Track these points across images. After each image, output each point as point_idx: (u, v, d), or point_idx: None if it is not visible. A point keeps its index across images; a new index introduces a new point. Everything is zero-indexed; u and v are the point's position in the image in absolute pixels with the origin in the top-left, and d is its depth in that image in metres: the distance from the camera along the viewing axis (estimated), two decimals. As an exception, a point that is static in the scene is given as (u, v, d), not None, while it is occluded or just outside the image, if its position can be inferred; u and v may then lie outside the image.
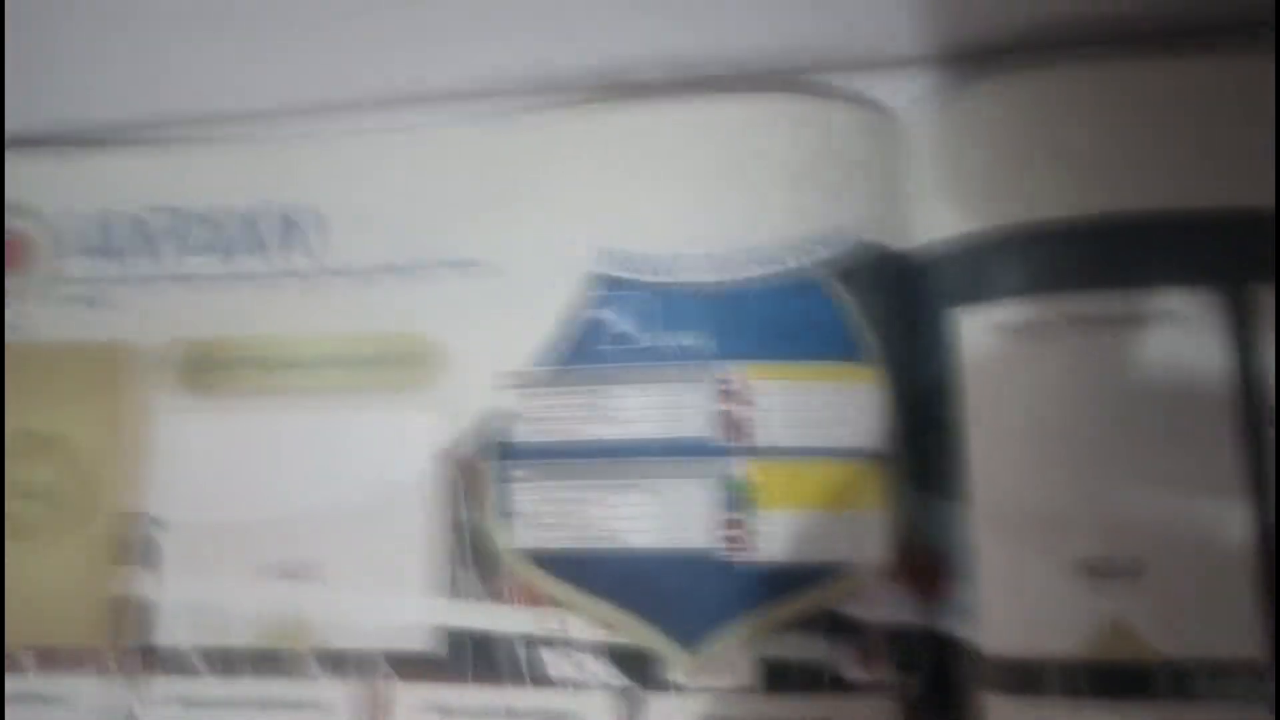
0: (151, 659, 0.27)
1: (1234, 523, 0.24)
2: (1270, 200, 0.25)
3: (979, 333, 0.26)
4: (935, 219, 0.27)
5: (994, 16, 0.27)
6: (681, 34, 0.28)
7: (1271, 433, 0.24)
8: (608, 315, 0.27)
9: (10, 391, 0.29)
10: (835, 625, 0.25)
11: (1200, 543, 0.24)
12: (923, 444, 0.26)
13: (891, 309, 0.27)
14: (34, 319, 0.30)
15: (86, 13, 0.26)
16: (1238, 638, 0.23)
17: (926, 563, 0.26)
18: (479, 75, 0.30)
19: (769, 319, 0.26)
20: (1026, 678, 0.24)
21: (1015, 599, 0.25)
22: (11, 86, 0.29)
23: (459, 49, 0.28)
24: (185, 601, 0.28)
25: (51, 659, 0.28)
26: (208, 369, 0.29)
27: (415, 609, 0.27)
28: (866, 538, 0.25)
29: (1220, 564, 0.23)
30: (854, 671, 0.25)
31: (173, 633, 0.27)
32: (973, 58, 0.28)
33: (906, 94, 0.29)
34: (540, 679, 0.26)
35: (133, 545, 0.28)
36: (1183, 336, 0.25)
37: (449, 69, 0.29)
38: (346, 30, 0.27)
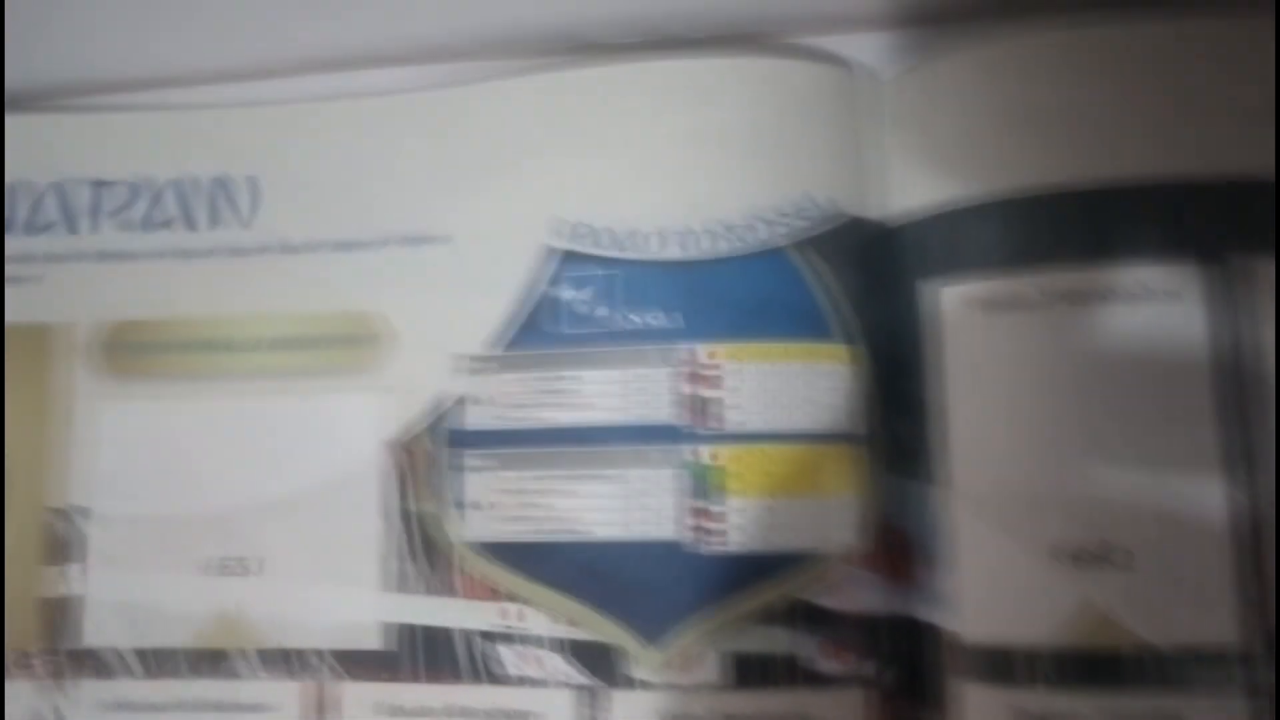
0: (80, 661, 0.26)
1: (1215, 507, 0.23)
2: (1253, 167, 0.24)
3: (955, 307, 0.25)
4: (907, 186, 0.26)
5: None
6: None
7: (1263, 409, 0.23)
8: (567, 293, 0.26)
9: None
10: (807, 616, 0.24)
11: (1180, 527, 0.23)
12: (897, 424, 0.25)
13: (864, 281, 0.25)
14: (-57, 298, 0.28)
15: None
16: (1219, 624, 0.22)
17: (901, 548, 0.25)
18: (429, 36, 0.28)
19: (737, 295, 0.25)
20: (1005, 665, 0.23)
21: (993, 585, 0.24)
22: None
23: (407, 7, 0.27)
24: (116, 600, 0.26)
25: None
26: (136, 352, 0.27)
27: (362, 605, 0.25)
28: (839, 524, 0.24)
29: (1201, 549, 0.23)
30: (826, 663, 0.23)
31: (103, 633, 0.26)
32: (944, 19, 0.27)
33: (876, 54, 0.27)
34: (496, 676, 0.24)
35: (59, 542, 0.26)
36: (1164, 311, 0.24)
37: (397, 29, 0.28)
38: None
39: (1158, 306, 0.24)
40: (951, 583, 0.24)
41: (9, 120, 0.29)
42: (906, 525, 0.25)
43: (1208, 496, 0.23)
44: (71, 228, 0.28)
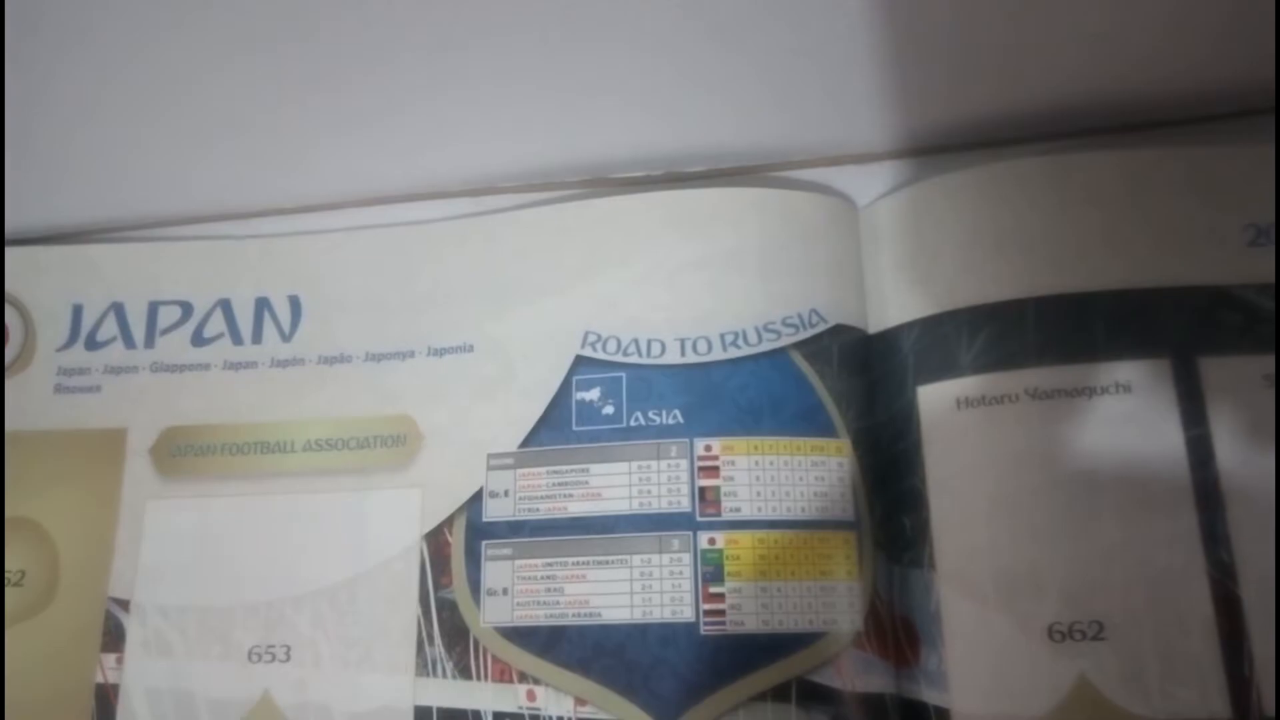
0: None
1: (1193, 584, 0.24)
2: (1215, 276, 0.26)
3: (941, 406, 0.27)
4: (898, 302, 0.29)
5: (947, 116, 0.29)
6: (660, 133, 0.29)
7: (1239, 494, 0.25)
8: (588, 395, 0.28)
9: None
10: (812, 695, 0.25)
11: (1161, 605, 0.24)
12: (891, 513, 0.27)
13: (858, 386, 0.28)
14: (12, 409, 0.30)
15: (74, 118, 0.28)
16: (1202, 697, 0.24)
17: (897, 630, 0.26)
18: (469, 173, 0.31)
19: (741, 396, 0.27)
20: (999, 742, 0.24)
21: (983, 663, 0.25)
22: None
23: (450, 149, 0.30)
24: (153, 688, 0.27)
25: (13, 752, 0.27)
26: (184, 454, 0.29)
27: (384, 689, 0.26)
28: (839, 606, 0.26)
29: (1181, 625, 0.24)
30: (829, 740, 0.25)
31: (135, 719, 0.27)
32: (929, 152, 0.31)
33: (868, 186, 0.30)
34: (517, 757, 0.25)
35: (109, 631, 0.28)
36: (1136, 405, 0.26)
37: (440, 167, 0.31)
38: (340, 132, 0.29)
39: (1130, 400, 0.26)
40: (944, 662, 0.25)
41: (77, 251, 0.32)
42: (902, 608, 0.26)
43: (1185, 576, 0.24)
44: (129, 343, 0.31)
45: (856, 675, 0.25)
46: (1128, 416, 0.26)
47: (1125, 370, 0.26)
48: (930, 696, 0.25)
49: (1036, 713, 0.24)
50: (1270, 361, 0.26)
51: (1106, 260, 0.27)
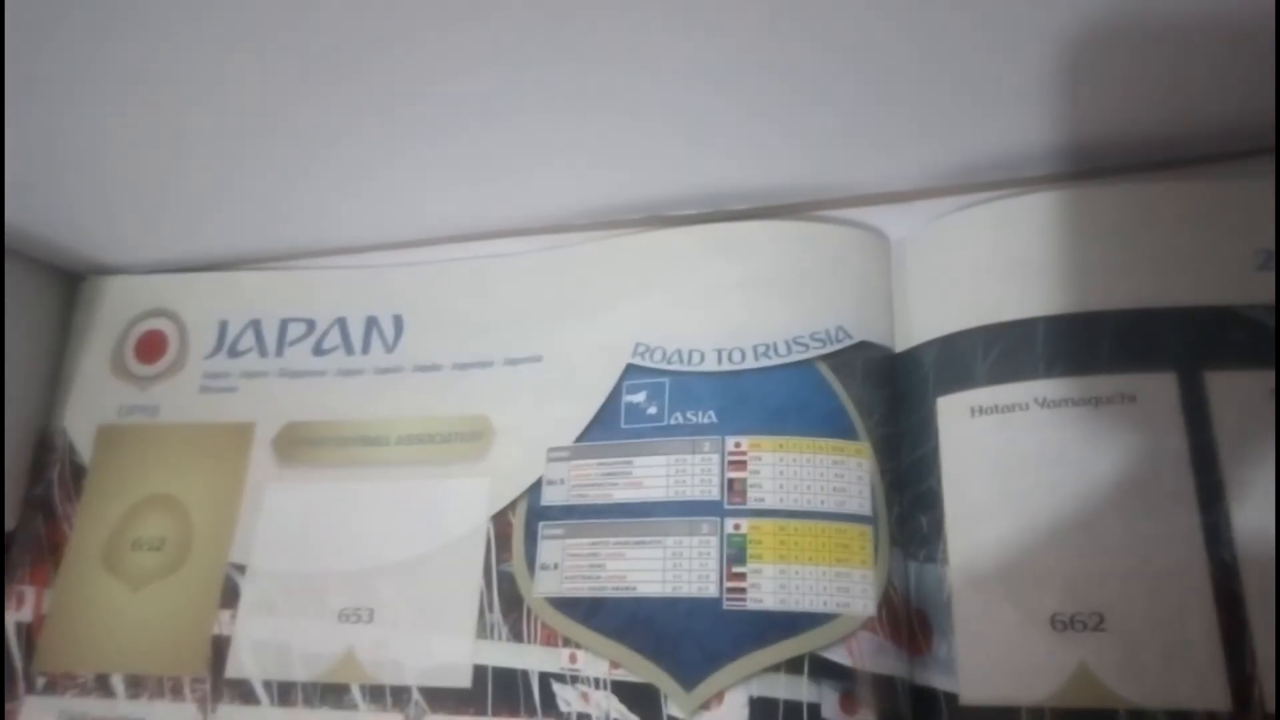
0: (229, 689, 0.31)
1: (1195, 582, 0.26)
2: (1220, 297, 0.28)
3: (957, 414, 0.29)
4: (921, 322, 0.31)
5: (972, 157, 0.32)
6: (709, 176, 0.33)
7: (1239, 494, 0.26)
8: (636, 398, 0.32)
9: (147, 463, 0.35)
10: (825, 670, 0.27)
11: (1161, 599, 0.26)
12: (910, 514, 0.29)
13: (881, 396, 0.31)
14: (167, 403, 0.36)
15: (225, 166, 0.34)
16: (1198, 686, 0.25)
17: (909, 618, 0.28)
18: (546, 214, 0.36)
19: (770, 400, 0.30)
20: (1001, 723, 0.26)
21: (990, 651, 0.27)
22: (156, 221, 0.37)
23: (532, 195, 0.35)
24: (259, 640, 0.32)
25: (138, 685, 0.32)
26: (300, 445, 0.34)
27: (449, 649, 0.30)
28: (853, 591, 0.28)
29: (1179, 617, 0.25)
30: (837, 713, 0.27)
31: (243, 666, 0.31)
32: (956, 191, 0.33)
33: (901, 222, 0.33)
34: (553, 712, 0.28)
35: (227, 590, 0.33)
36: (1140, 413, 0.28)
37: (522, 211, 0.36)
38: (443, 184, 0.34)
39: (1135, 410, 0.28)
40: (952, 650, 0.27)
41: (222, 275, 0.38)
42: (914, 599, 0.28)
43: (1184, 570, 0.26)
44: (262, 352, 0.37)
45: (868, 656, 0.27)
46: (1133, 424, 0.27)
47: (1130, 382, 0.28)
48: (940, 682, 0.27)
49: (1038, 698, 0.26)
50: (1274, 377, 0.27)
51: (1115, 282, 0.29)
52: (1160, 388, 0.28)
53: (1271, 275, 0.28)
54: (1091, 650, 0.26)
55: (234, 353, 0.37)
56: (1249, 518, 0.26)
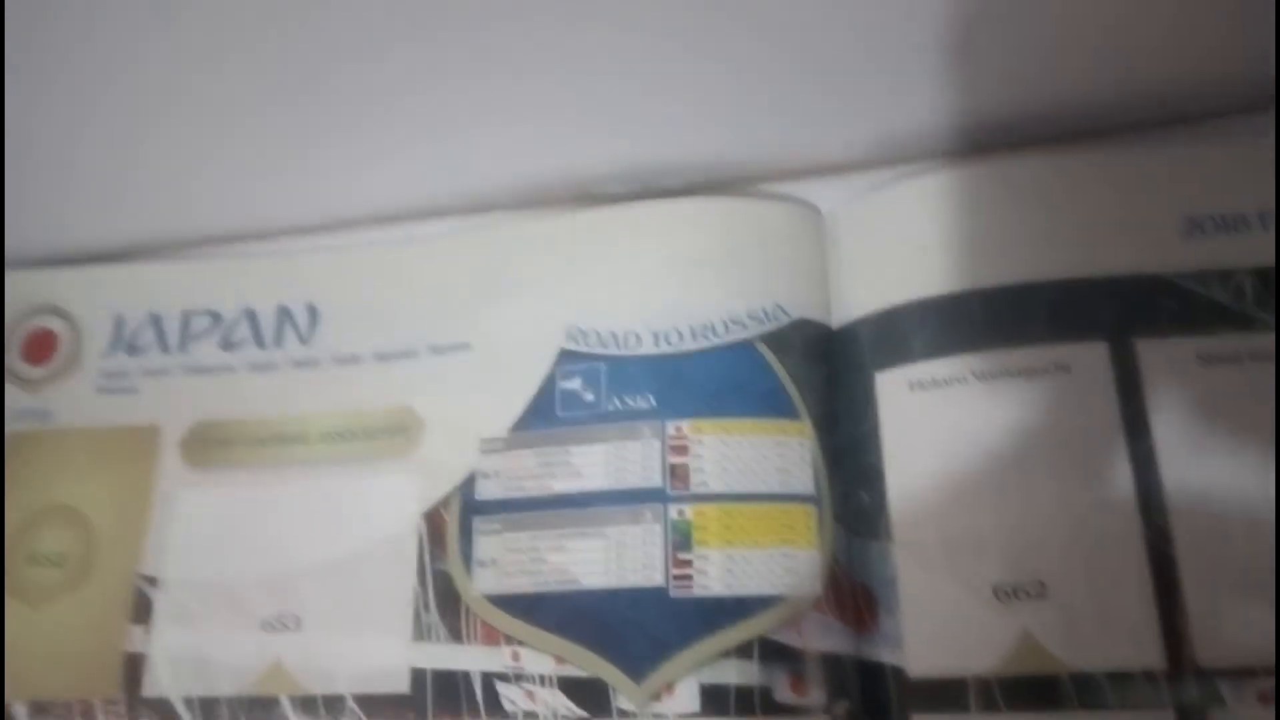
0: (147, 709, 0.29)
1: (1129, 546, 0.26)
2: (1149, 266, 0.28)
3: (896, 390, 0.29)
4: (856, 298, 0.31)
5: (904, 129, 0.32)
6: (639, 152, 0.32)
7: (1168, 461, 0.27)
8: (571, 384, 0.31)
9: (41, 472, 0.33)
10: (774, 653, 0.27)
11: (1098, 565, 0.26)
12: (852, 490, 0.29)
13: (820, 374, 0.30)
14: (60, 407, 0.34)
15: (121, 152, 0.31)
16: (1137, 648, 0.25)
17: (855, 596, 0.28)
18: (467, 194, 0.34)
19: (709, 382, 0.30)
20: (948, 696, 0.26)
21: (935, 623, 0.27)
22: (44, 209, 0.34)
23: (452, 174, 0.33)
24: (177, 655, 0.30)
25: (44, 712, 0.30)
26: (211, 446, 0.32)
27: (384, 653, 0.29)
28: (800, 573, 0.28)
29: (1117, 583, 0.26)
30: (788, 695, 0.26)
31: (161, 684, 0.30)
32: (888, 163, 0.33)
33: (833, 196, 0.33)
34: (497, 712, 0.27)
35: (138, 604, 0.31)
36: (1074, 383, 0.28)
37: (442, 191, 0.34)
38: (349, 159, 0.32)
39: (1069, 380, 0.28)
40: (898, 625, 0.27)
41: (118, 268, 0.36)
42: (859, 576, 0.28)
43: (1120, 536, 0.26)
44: (164, 349, 0.34)
45: (816, 636, 0.27)
46: (1067, 394, 0.28)
47: (1063, 352, 0.28)
48: (887, 657, 0.27)
49: (984, 668, 0.26)
50: (1204, 343, 0.27)
51: (1045, 254, 0.29)
52: (1092, 357, 0.28)
53: (1199, 241, 0.28)
54: (1034, 618, 0.26)
55: (133, 350, 0.34)
56: (1179, 481, 0.26)
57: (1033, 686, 0.25)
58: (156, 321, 0.35)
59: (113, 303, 0.35)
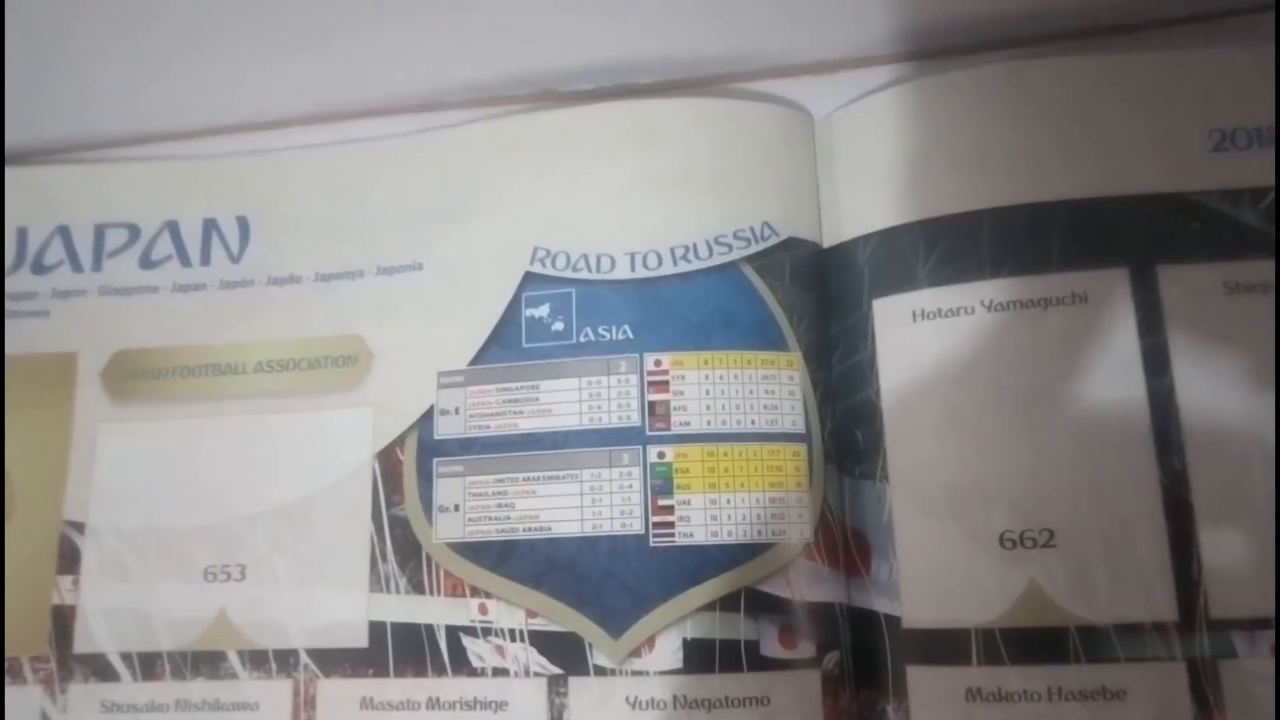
0: (80, 665, 0.27)
1: (1144, 491, 0.24)
2: (1173, 184, 0.26)
3: (897, 319, 0.27)
4: (853, 215, 0.28)
5: (905, 22, 0.28)
6: (610, 43, 0.29)
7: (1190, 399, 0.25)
8: (538, 312, 0.28)
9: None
10: (762, 604, 0.25)
11: (1111, 512, 0.24)
12: (844, 427, 0.27)
13: (811, 299, 0.27)
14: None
15: (17, 38, 0.27)
16: (1147, 600, 0.24)
17: (849, 541, 0.26)
18: (416, 89, 0.30)
19: (692, 311, 0.27)
20: (947, 647, 0.24)
21: (935, 572, 0.25)
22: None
23: (397, 64, 0.29)
24: (112, 608, 0.27)
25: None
26: (136, 377, 0.29)
27: (338, 605, 0.26)
28: (789, 518, 0.26)
29: (1130, 532, 0.24)
30: (776, 649, 0.25)
31: (94, 639, 0.27)
32: (887, 61, 0.30)
33: (826, 98, 0.30)
34: (464, 668, 0.25)
35: (64, 554, 0.28)
36: (1092, 315, 0.25)
37: (387, 84, 0.30)
38: (285, 50, 0.28)
39: (1085, 311, 0.25)
40: (895, 573, 0.25)
41: (18, 172, 0.31)
42: (854, 520, 0.26)
43: (1135, 481, 0.24)
44: (76, 266, 0.30)
45: (806, 585, 0.25)
46: (1084, 327, 0.25)
47: (1082, 280, 0.26)
48: (881, 605, 0.25)
49: (987, 618, 0.24)
50: (1231, 269, 0.25)
51: (1063, 170, 0.26)
52: (1112, 285, 0.25)
53: (1230, 156, 0.26)
54: (1041, 568, 0.24)
55: (39, 268, 0.30)
56: (1198, 421, 0.24)
57: (1038, 639, 0.24)
58: (65, 234, 0.31)
59: (13, 213, 0.31)
